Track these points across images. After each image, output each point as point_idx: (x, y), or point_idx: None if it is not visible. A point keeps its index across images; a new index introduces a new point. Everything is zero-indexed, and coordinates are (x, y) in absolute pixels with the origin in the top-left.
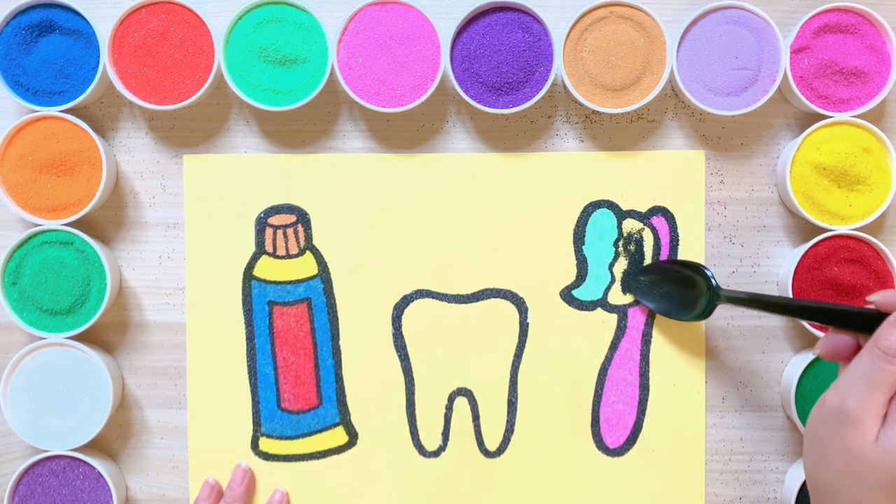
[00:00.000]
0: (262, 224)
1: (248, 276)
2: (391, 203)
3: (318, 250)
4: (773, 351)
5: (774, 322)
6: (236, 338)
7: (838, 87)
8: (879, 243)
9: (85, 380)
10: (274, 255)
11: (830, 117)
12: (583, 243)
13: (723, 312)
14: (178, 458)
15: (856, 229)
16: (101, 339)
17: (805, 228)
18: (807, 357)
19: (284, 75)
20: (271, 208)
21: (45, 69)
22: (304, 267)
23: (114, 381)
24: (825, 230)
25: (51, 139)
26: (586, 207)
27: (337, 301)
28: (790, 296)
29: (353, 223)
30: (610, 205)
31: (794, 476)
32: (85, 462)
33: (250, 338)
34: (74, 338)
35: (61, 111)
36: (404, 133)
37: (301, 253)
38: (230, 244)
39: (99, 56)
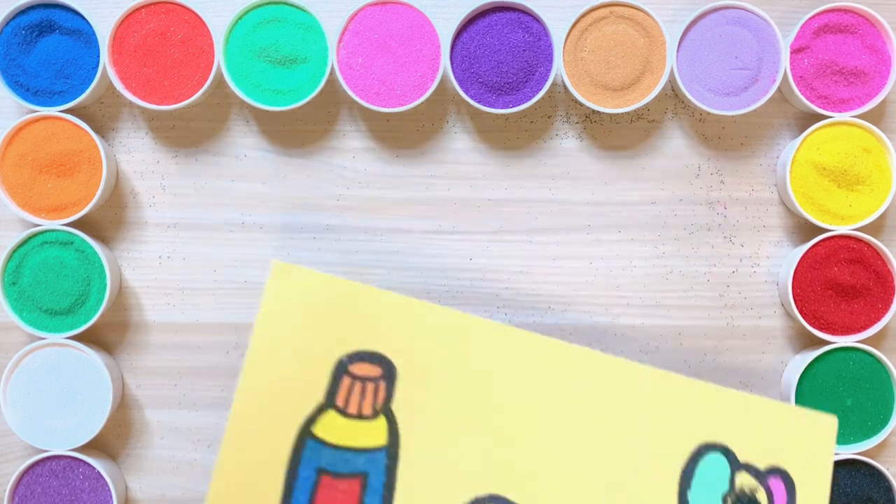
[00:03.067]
0: (341, 370)
1: (306, 431)
2: (493, 381)
3: (394, 417)
4: (773, 351)
5: (774, 322)
6: (269, 495)
7: (838, 87)
8: (879, 243)
9: (85, 380)
10: (344, 412)
11: (830, 117)
12: (689, 486)
13: (723, 312)
14: (178, 458)
15: (856, 229)
16: (101, 339)
17: (805, 228)
18: (807, 357)
19: (284, 75)
20: (357, 354)
21: (45, 69)
22: (373, 433)
23: (114, 381)
24: (825, 230)
25: (51, 139)
26: (700, 447)
27: (398, 485)
28: (790, 296)
29: (442, 392)
30: (725, 451)
31: None
32: (85, 462)
33: None
34: (74, 338)
35: (61, 111)
36: (404, 133)
37: (374, 416)
38: (297, 385)
39: (99, 56)
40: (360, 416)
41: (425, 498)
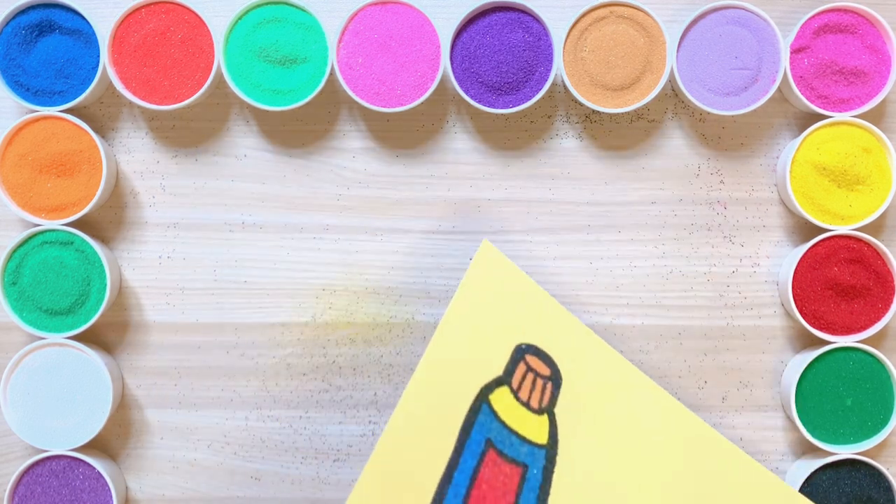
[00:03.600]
0: (520, 355)
1: (484, 396)
2: (634, 437)
3: (555, 420)
4: (773, 351)
5: (774, 322)
6: (439, 451)
7: (838, 87)
8: (879, 243)
9: (85, 380)
10: (516, 394)
11: (830, 117)
12: None
13: (723, 312)
14: (178, 458)
15: (856, 229)
16: (101, 339)
17: (805, 228)
18: (807, 357)
19: (284, 75)
20: (534, 347)
21: (45, 69)
22: (536, 428)
23: (114, 381)
24: (825, 230)
25: (51, 139)
26: None
27: (552, 489)
28: (790, 296)
29: (596, 417)
30: None
31: (795, 476)
32: (85, 462)
33: (452, 466)
34: (74, 338)
35: (61, 111)
36: (404, 133)
37: (540, 412)
38: (480, 355)
39: (99, 56)
40: (527, 405)
41: None
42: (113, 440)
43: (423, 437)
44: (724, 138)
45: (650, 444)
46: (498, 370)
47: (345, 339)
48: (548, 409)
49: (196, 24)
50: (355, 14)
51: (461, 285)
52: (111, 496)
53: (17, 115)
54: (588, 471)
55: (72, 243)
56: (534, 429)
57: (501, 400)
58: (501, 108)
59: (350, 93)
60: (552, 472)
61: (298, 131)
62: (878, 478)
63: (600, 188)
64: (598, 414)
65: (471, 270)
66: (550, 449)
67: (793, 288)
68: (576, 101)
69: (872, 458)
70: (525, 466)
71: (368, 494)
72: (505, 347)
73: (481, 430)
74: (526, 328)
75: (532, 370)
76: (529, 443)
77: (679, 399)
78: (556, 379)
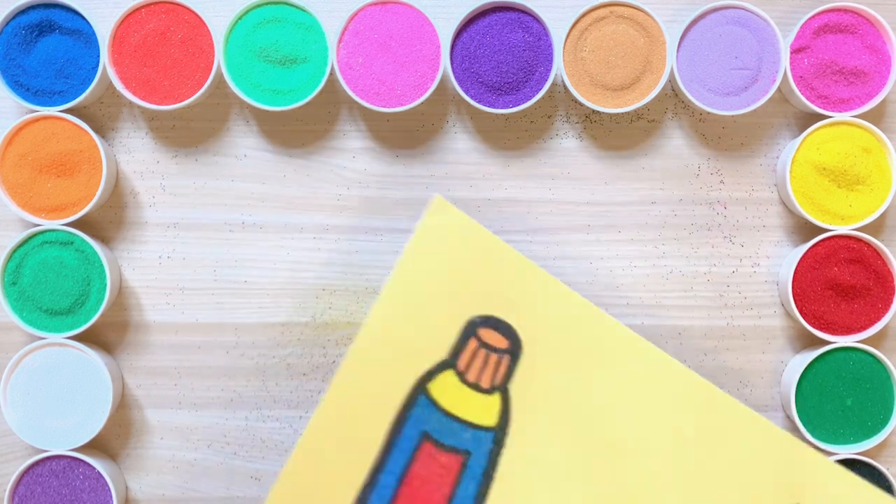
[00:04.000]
0: (471, 330)
1: (422, 387)
2: (614, 389)
3: (508, 397)
4: (773, 351)
5: (774, 322)
6: (364, 453)
7: (838, 87)
8: (879, 243)
9: (85, 380)
10: (462, 377)
11: (830, 117)
12: None
13: (723, 312)
14: (178, 459)
15: (856, 229)
16: (101, 339)
17: (805, 228)
18: (807, 357)
19: (284, 75)
20: (490, 319)
21: (45, 69)
22: (485, 410)
23: (114, 381)
24: (825, 230)
25: (51, 139)
26: None
27: (497, 474)
28: (790, 296)
29: (561, 387)
30: None
31: None
32: (85, 462)
33: (377, 468)
34: (74, 338)
35: (61, 111)
36: (404, 133)
37: (490, 391)
38: (424, 334)
39: (99, 56)
40: (476, 387)
41: (524, 497)
42: (113, 440)
43: (347, 437)
44: (724, 138)
45: (640, 410)
46: (443, 351)
47: (345, 339)
48: (501, 387)
49: (196, 24)
50: (355, 14)
51: (405, 251)
52: (111, 496)
53: (17, 115)
54: (544, 449)
55: (72, 243)
56: (481, 411)
57: (444, 387)
58: (501, 108)
59: (350, 93)
60: (499, 454)
61: (298, 131)
62: (878, 478)
63: (600, 188)
64: (564, 385)
65: (418, 233)
66: (499, 430)
67: (793, 288)
68: (576, 101)
69: (872, 458)
70: (467, 453)
71: (286, 501)
72: (455, 322)
73: (416, 425)
74: (484, 295)
75: (485, 345)
76: (474, 427)
77: None
78: (514, 351)
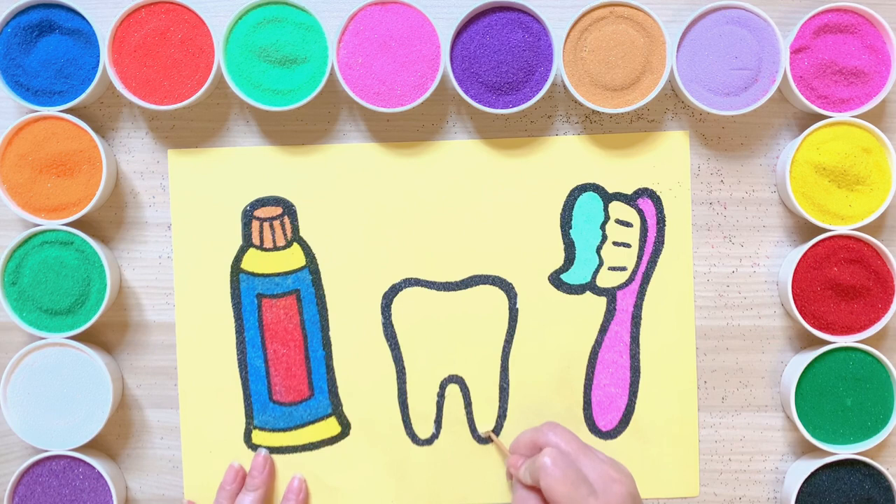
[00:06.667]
0: (248, 217)
1: (236, 269)
2: (378, 192)
3: (305, 242)
4: (773, 351)
5: (774, 322)
6: (226, 332)
7: (838, 87)
8: (879, 243)
9: (85, 380)
10: (261, 247)
11: (830, 117)
12: (570, 227)
13: (723, 312)
14: (178, 458)
15: (856, 229)
16: (101, 339)
17: (805, 228)
18: (807, 357)
19: (284, 75)
20: (257, 201)
21: (45, 69)
22: (292, 259)
23: (114, 381)
24: (825, 230)
25: (51, 139)
26: (572, 191)
27: (326, 292)
28: (790, 296)
29: (339, 214)
30: (596, 188)
31: (794, 476)
32: (85, 462)
33: (240, 331)
34: (74, 338)
35: (61, 111)
36: (404, 133)
37: (288, 245)
38: (217, 239)
39: (99, 56)
40: (276, 248)
41: (351, 295)
42: (113, 440)
43: (206, 320)
44: (724, 138)
45: (402, 193)
46: (237, 241)
47: None
48: (294, 238)
49: (196, 24)
50: (355, 14)
51: (172, 203)
52: (111, 496)
53: (17, 115)
54: (350, 249)
55: (72, 243)
56: (290, 260)
57: (251, 261)
58: (501, 108)
59: (350, 93)
60: (320, 279)
61: (298, 131)
62: (877, 478)
63: None
64: (340, 199)
65: (172, 185)
66: (311, 264)
67: (793, 288)
68: (576, 101)
69: (872, 458)
70: (297, 291)
71: (192, 407)
72: (233, 220)
73: (249, 293)
74: (245, 191)
75: (264, 220)
76: (290, 272)
77: None
78: (288, 209)
